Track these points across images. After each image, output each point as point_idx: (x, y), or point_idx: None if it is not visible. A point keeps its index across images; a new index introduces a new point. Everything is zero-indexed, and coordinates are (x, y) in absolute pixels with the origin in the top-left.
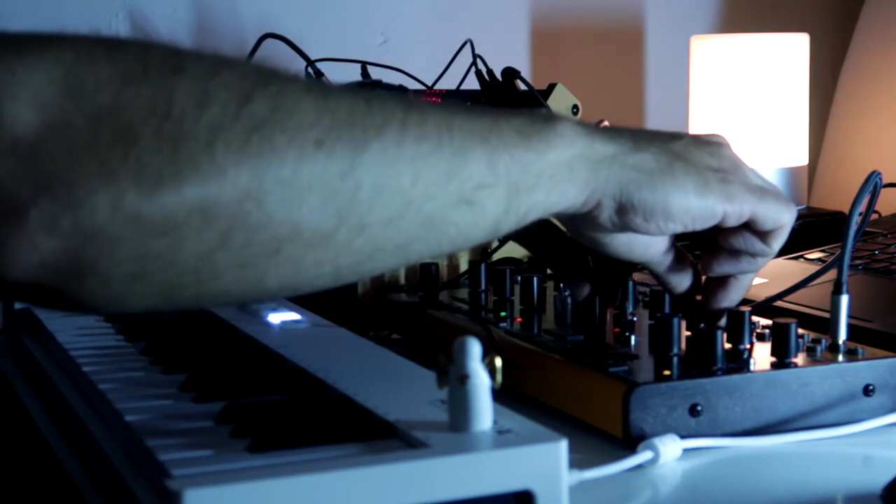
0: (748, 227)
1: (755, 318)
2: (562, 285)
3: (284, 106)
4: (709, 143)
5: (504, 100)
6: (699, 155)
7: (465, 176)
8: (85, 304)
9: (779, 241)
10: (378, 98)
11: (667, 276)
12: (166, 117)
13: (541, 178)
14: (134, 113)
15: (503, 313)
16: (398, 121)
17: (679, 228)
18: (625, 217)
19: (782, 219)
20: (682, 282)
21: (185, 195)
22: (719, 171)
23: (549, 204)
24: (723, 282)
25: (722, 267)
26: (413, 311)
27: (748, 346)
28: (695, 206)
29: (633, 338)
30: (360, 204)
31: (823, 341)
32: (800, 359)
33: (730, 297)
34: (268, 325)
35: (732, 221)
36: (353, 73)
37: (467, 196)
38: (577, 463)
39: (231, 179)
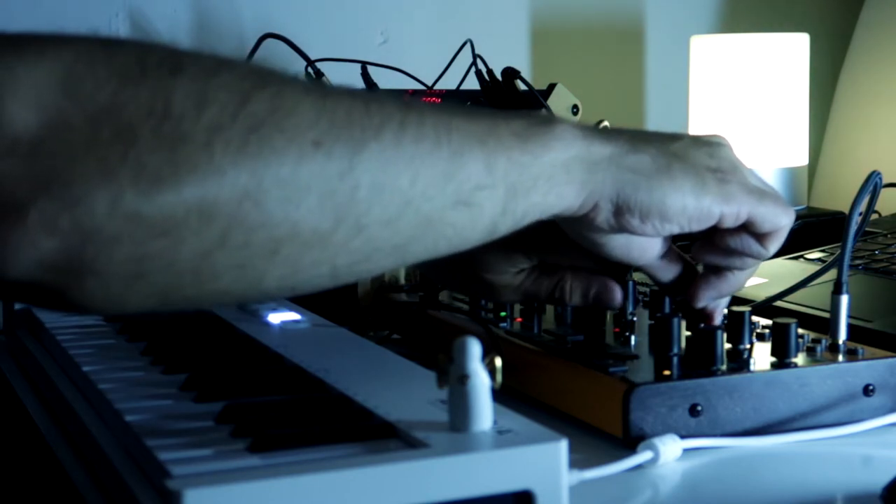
0: (746, 228)
1: (755, 318)
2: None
3: (283, 107)
4: (708, 144)
5: (504, 100)
6: (697, 155)
7: (464, 177)
8: (84, 305)
9: (776, 244)
10: (376, 99)
11: (666, 279)
12: (165, 117)
13: (538, 179)
14: (133, 113)
15: (503, 313)
16: (396, 121)
17: (676, 229)
18: (622, 218)
19: (780, 221)
20: (681, 285)
21: (183, 195)
22: (717, 171)
23: (547, 206)
24: (716, 273)
25: (714, 258)
26: (413, 311)
27: (748, 346)
28: (692, 207)
29: (633, 338)
30: (359, 204)
31: (823, 341)
32: (800, 359)
33: (720, 289)
34: (268, 325)
35: (730, 223)
36: (353, 73)
37: (465, 197)
38: (577, 463)
39: (229, 179)
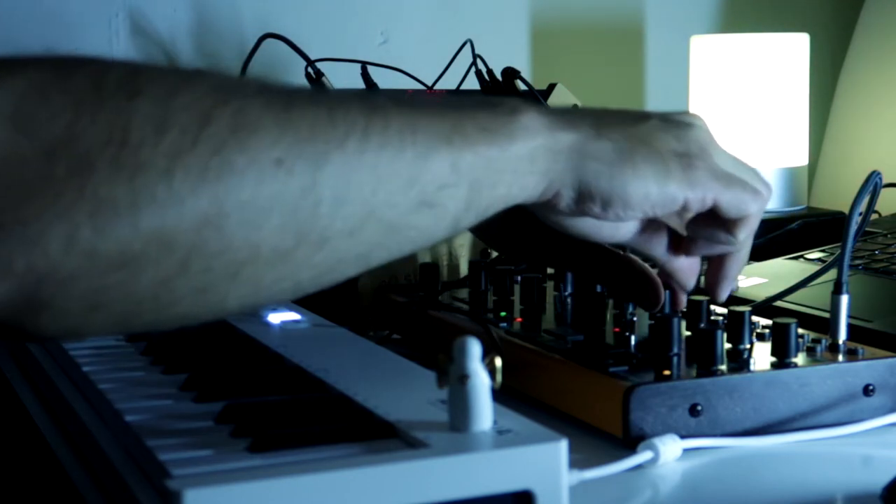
0: (714, 214)
1: (755, 318)
2: (561, 286)
3: (245, 125)
4: (677, 125)
5: None
6: (664, 139)
7: (428, 179)
8: (41, 336)
9: (744, 231)
10: (341, 104)
11: (651, 251)
12: (123, 145)
13: (503, 173)
14: (90, 143)
15: (503, 313)
16: (360, 129)
17: (639, 215)
18: (584, 205)
19: (747, 208)
20: (667, 256)
21: (141, 227)
22: (684, 155)
23: (510, 197)
24: (719, 260)
25: (700, 250)
26: (413, 311)
27: (748, 346)
28: (654, 194)
29: (632, 338)
30: (321, 219)
31: (823, 341)
32: (800, 359)
33: (729, 273)
34: (268, 325)
35: (696, 207)
36: (353, 73)
37: (429, 198)
38: (577, 463)
39: (189, 207)
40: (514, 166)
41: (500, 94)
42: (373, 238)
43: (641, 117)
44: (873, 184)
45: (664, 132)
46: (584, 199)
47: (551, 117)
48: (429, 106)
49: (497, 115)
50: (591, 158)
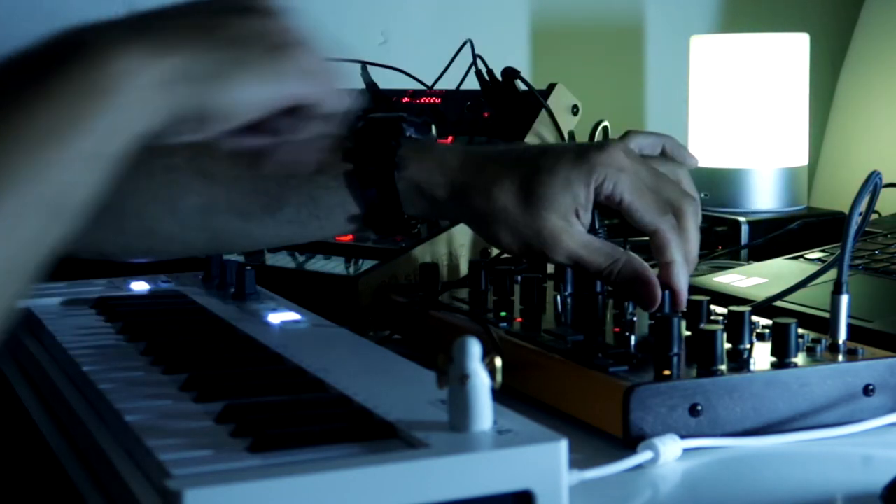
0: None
1: (755, 318)
2: (561, 286)
3: None
4: (258, 14)
5: (504, 100)
6: (253, 38)
7: (50, 199)
8: None
9: (328, 123)
10: None
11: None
12: None
13: (116, 131)
14: None
15: (503, 313)
16: None
17: (245, 121)
18: (194, 126)
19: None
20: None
21: None
22: (276, 50)
23: (136, 143)
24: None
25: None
26: (414, 311)
27: (748, 346)
28: (255, 99)
29: (632, 338)
30: None
31: (823, 341)
32: (800, 359)
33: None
34: (268, 325)
35: (293, 101)
36: (353, 73)
37: (60, 208)
38: (577, 463)
39: None
40: (124, 121)
41: (500, 94)
42: (27, 277)
43: (219, 12)
44: (873, 184)
45: (254, 33)
46: (199, 120)
47: (148, 48)
48: (13, 107)
49: (88, 72)
50: (190, 81)
